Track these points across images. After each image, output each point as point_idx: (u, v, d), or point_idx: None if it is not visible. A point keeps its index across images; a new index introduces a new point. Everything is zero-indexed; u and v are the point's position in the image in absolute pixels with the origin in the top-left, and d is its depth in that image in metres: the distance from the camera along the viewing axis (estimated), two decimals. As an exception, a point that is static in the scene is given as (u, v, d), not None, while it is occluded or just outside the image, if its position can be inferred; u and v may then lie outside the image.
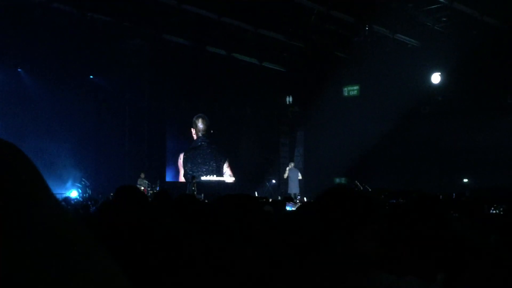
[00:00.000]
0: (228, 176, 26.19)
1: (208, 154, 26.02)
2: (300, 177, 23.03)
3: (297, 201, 17.37)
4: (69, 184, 21.68)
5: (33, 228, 0.82)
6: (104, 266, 0.89)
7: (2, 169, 0.84)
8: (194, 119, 25.80)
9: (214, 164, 25.99)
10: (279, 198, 18.51)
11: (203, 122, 25.78)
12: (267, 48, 23.46)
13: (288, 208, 8.44)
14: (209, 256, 2.45)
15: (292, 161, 25.49)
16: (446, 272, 2.36)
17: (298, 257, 2.21)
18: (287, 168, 23.62)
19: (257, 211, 2.84)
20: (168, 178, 24.79)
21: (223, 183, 24.53)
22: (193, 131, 25.83)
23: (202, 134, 25.91)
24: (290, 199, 13.33)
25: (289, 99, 27.67)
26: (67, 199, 16.32)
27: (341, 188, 2.30)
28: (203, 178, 24.25)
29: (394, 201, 9.16)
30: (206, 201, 17.21)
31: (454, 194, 14.33)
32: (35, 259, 0.80)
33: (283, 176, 25.43)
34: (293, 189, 22.68)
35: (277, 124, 28.59)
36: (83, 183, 21.61)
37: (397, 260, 2.36)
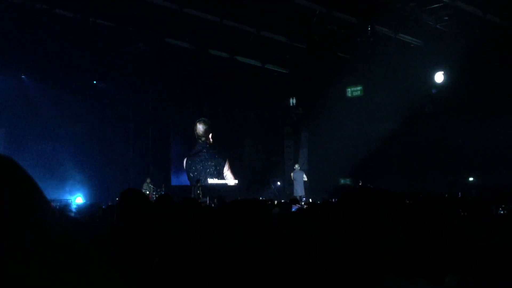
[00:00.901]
0: (230, 179, 26.16)
1: (208, 158, 26.04)
2: (305, 179, 22.99)
3: (303, 203, 17.35)
4: (73, 189, 21.69)
5: (30, 238, 0.85)
6: (102, 274, 0.91)
7: (1, 183, 0.87)
8: (196, 122, 25.84)
9: (213, 167, 25.99)
10: (283, 200, 18.52)
11: (203, 126, 25.77)
12: (270, 50, 23.44)
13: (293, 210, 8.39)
14: (209, 257, 2.44)
15: (297, 162, 25.46)
16: (453, 274, 2.34)
17: (312, 257, 2.20)
18: (294, 170, 23.63)
19: (266, 215, 2.83)
20: (174, 182, 24.80)
21: (227, 186, 24.52)
22: (196, 135, 25.86)
23: (203, 138, 25.92)
24: (296, 201, 13.32)
25: (292, 101, 27.67)
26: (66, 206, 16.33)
27: (368, 189, 2.28)
28: (209, 181, 24.24)
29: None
30: (212, 204, 17.24)
31: (459, 194, 14.29)
32: (32, 269, 0.83)
33: (289, 178, 25.46)
34: (299, 191, 22.64)
35: (281, 126, 28.59)
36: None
37: (405, 262, 2.34)
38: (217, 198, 19.96)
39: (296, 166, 23.77)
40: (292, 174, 23.52)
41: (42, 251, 0.85)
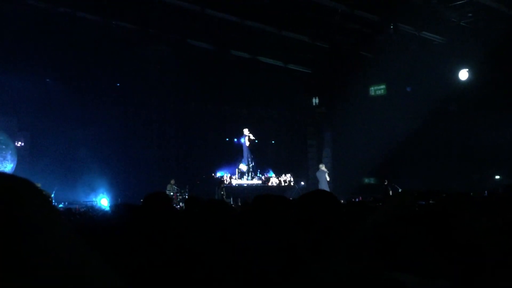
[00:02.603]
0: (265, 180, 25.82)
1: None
2: (328, 178, 22.91)
3: None
4: (98, 190, 21.86)
5: (45, 254, 0.98)
6: (101, 276, 1.04)
7: (20, 203, 1.00)
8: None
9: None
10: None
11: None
12: (292, 50, 23.42)
13: None
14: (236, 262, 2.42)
15: (321, 162, 25.40)
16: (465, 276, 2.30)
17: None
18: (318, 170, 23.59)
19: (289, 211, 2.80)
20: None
21: (251, 186, 24.50)
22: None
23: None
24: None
25: (315, 101, 27.60)
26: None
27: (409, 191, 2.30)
28: (234, 182, 24.24)
29: (424, 202, 8.96)
30: (239, 204, 17.23)
31: (486, 192, 14.10)
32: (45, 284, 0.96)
33: (313, 178, 25.41)
34: None
35: (304, 125, 28.52)
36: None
37: (423, 262, 2.31)
38: (241, 199, 19.97)
39: (320, 165, 23.68)
40: (316, 173, 23.49)
41: (56, 264, 0.99)
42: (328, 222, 2.55)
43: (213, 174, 24.61)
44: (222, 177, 23.82)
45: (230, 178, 23.41)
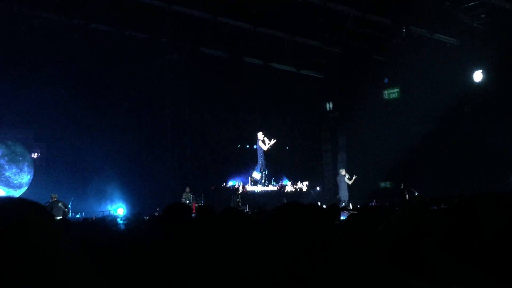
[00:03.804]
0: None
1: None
2: (349, 182, 22.94)
3: (349, 208, 17.30)
4: (114, 200, 21.93)
5: (58, 274, 1.03)
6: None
7: (31, 225, 1.05)
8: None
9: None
10: (324, 206, 18.41)
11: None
12: (305, 55, 23.43)
13: (342, 218, 8.12)
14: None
15: (335, 167, 25.38)
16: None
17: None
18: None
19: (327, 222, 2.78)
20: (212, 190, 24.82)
21: (266, 193, 24.45)
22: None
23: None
24: (336, 206, 13.16)
25: (329, 105, 27.56)
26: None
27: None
28: (251, 188, 24.19)
29: (435, 207, 8.89)
30: (249, 212, 17.20)
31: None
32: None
33: (328, 183, 25.43)
34: (342, 196, 22.68)
35: (319, 131, 28.46)
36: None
37: (439, 267, 2.30)
38: (257, 207, 19.88)
39: (340, 170, 23.64)
40: (337, 178, 23.69)
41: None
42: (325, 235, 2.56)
43: (224, 184, 24.51)
44: (235, 185, 23.74)
45: (243, 187, 23.26)
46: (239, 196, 22.00)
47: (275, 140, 23.50)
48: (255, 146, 24.28)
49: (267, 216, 4.05)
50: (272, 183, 24.48)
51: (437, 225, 2.08)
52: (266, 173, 24.22)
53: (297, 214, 2.71)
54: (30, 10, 17.79)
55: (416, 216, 2.25)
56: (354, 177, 22.94)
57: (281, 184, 24.79)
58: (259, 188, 24.16)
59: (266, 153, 23.75)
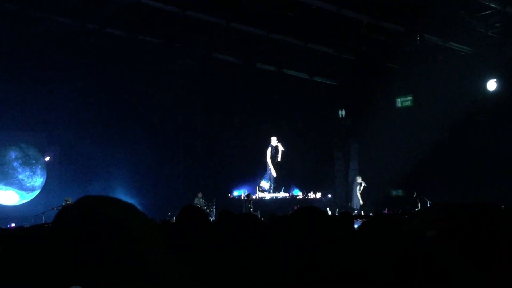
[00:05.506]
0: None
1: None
2: (359, 190, 22.92)
3: (361, 214, 17.29)
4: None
5: (150, 268, 1.16)
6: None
7: (129, 224, 1.17)
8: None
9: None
10: (336, 214, 18.35)
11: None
12: (317, 62, 23.42)
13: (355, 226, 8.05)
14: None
15: (347, 174, 25.33)
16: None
17: None
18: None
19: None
20: (224, 195, 24.78)
21: (278, 199, 24.43)
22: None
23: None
24: (347, 214, 13.11)
25: (341, 113, 27.51)
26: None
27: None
28: (260, 195, 24.19)
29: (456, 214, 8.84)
30: (262, 218, 17.18)
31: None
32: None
33: (339, 191, 25.41)
34: (354, 203, 22.70)
35: (331, 137, 28.40)
36: None
37: (459, 276, 2.30)
38: (269, 213, 19.85)
39: (357, 177, 23.60)
40: (353, 185, 23.72)
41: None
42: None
43: (229, 195, 24.47)
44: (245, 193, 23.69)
45: (249, 196, 23.07)
46: (251, 202, 22.02)
47: (283, 149, 23.59)
48: (269, 151, 24.32)
49: (280, 222, 4.06)
50: (283, 192, 24.50)
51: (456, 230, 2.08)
52: (272, 183, 24.28)
53: (316, 219, 2.72)
54: (45, 14, 17.93)
55: (439, 222, 2.25)
56: (363, 185, 22.90)
57: (291, 195, 24.77)
58: (268, 196, 24.19)
59: (277, 161, 23.81)
